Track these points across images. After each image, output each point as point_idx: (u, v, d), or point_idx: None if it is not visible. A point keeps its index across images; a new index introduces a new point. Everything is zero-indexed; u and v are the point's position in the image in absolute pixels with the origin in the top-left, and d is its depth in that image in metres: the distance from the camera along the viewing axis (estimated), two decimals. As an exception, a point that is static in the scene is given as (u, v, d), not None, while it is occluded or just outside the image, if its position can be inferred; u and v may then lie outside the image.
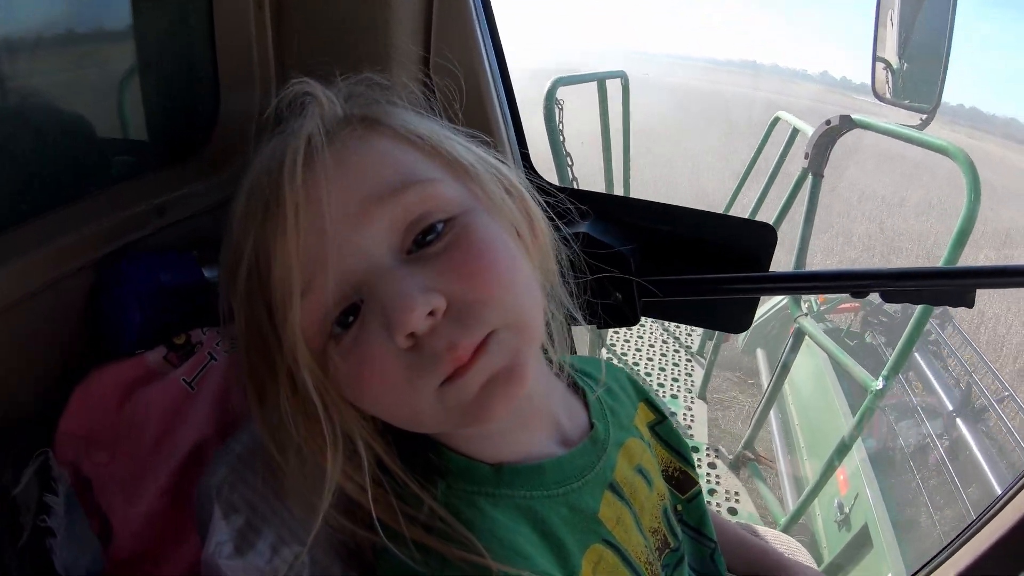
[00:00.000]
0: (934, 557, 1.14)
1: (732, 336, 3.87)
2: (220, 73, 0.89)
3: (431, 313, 0.44)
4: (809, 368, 3.78)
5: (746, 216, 3.47)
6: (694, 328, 4.06)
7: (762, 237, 0.97)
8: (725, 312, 1.01)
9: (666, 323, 4.06)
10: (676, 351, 3.87)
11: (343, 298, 0.46)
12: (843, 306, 5.08)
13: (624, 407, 0.69)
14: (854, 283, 1.01)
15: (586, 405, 0.64)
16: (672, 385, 3.55)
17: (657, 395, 3.40)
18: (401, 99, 0.55)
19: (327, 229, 0.45)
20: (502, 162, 0.57)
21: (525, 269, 0.51)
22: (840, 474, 3.03)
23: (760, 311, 4.53)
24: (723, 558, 0.74)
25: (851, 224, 9.13)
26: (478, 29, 0.91)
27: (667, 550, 0.64)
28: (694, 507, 0.73)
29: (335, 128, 0.49)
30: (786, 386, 4.27)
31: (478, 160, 0.54)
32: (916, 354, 4.66)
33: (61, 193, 0.69)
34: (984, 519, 1.06)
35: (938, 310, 5.07)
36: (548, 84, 2.46)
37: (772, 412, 3.97)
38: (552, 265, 0.60)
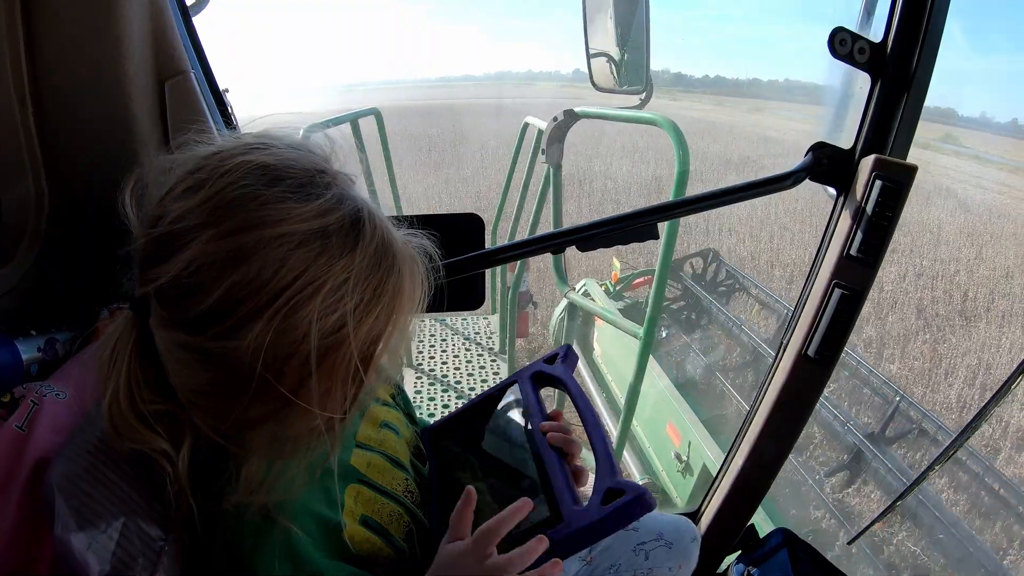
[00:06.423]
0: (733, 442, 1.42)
1: (529, 333, 4.12)
2: (-7, 170, 0.96)
3: None
4: (623, 347, 4.02)
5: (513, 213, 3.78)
6: (492, 331, 4.27)
7: (472, 224, 1.20)
8: (460, 293, 1.18)
9: (466, 332, 4.31)
10: (480, 355, 4.04)
11: None
12: (637, 282, 5.53)
13: None
14: (553, 242, 1.22)
15: None
16: (482, 386, 3.69)
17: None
18: None
19: None
20: None
21: None
22: (670, 429, 3.32)
23: (558, 309, 4.95)
24: None
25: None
26: (207, 110, 1.05)
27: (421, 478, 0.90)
28: None
29: None
30: (604, 367, 4.68)
31: None
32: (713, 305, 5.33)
33: None
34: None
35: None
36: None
37: (595, 392, 4.34)
38: None
